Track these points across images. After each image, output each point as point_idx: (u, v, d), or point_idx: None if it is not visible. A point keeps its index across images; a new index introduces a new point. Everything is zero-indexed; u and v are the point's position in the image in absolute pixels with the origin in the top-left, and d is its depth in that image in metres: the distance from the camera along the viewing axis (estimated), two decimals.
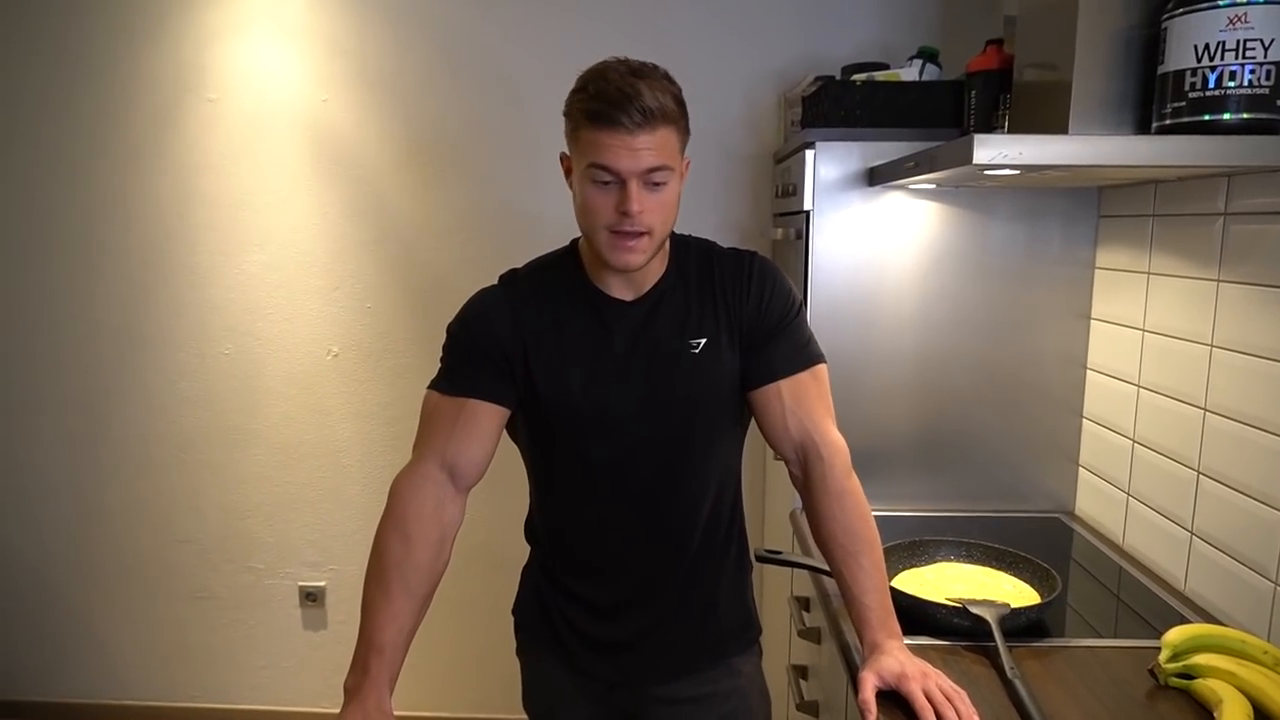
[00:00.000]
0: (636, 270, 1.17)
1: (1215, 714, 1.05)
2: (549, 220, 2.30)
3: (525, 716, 1.43)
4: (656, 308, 1.23)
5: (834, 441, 1.23)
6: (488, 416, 1.20)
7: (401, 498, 1.21)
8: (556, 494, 1.31)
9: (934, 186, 1.77)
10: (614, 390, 1.21)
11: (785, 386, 1.23)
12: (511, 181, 2.42)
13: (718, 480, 1.29)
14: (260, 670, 2.65)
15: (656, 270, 1.23)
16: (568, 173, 1.18)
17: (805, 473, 1.24)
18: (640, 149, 1.07)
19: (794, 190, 1.90)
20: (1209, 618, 1.36)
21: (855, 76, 1.85)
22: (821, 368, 1.26)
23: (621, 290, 1.23)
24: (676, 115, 1.11)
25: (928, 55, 1.89)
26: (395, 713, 1.09)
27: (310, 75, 2.38)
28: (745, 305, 1.23)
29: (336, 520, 2.58)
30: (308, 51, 2.38)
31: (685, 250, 1.28)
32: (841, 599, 1.23)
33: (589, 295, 1.23)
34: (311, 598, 2.60)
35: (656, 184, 1.11)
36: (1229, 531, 1.35)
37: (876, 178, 1.75)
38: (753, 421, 1.31)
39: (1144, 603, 1.43)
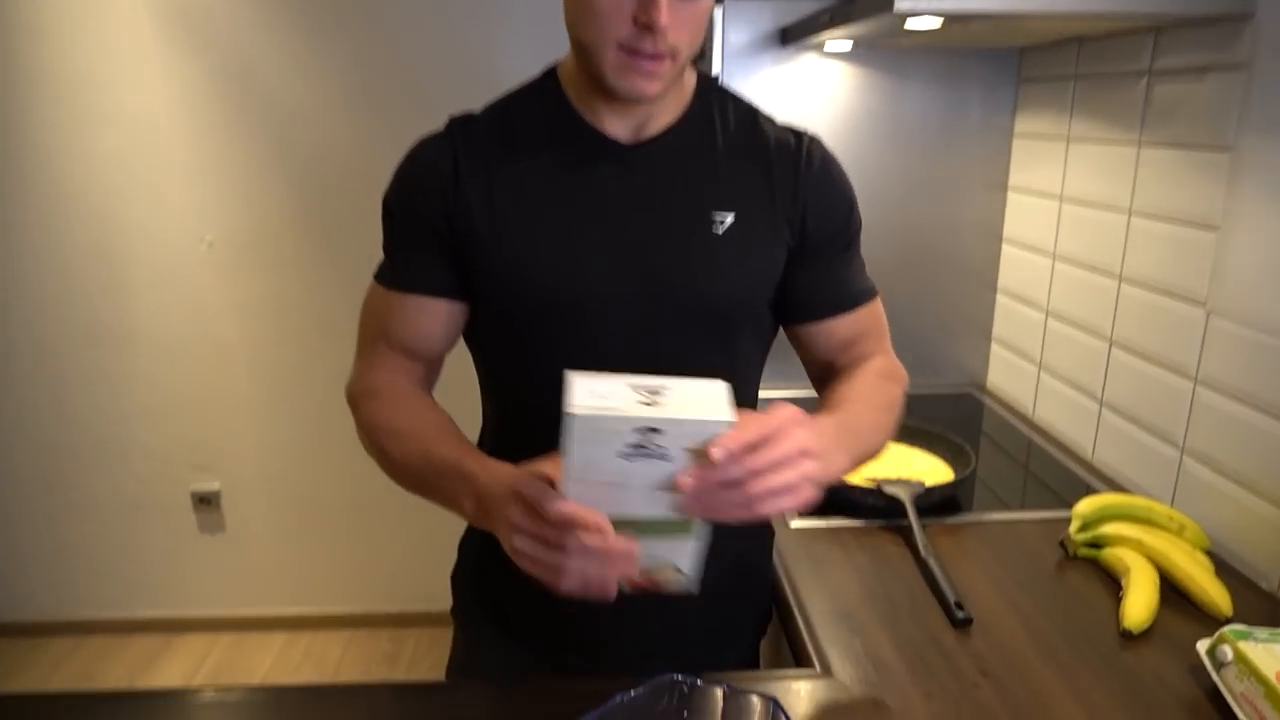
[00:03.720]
0: (650, 102, 0.85)
1: (1123, 582, 1.04)
2: (474, 78, 2.09)
3: None
4: (667, 158, 0.90)
5: (904, 374, 1.00)
6: (433, 317, 0.91)
7: (365, 393, 0.93)
8: (511, 424, 0.97)
9: (849, 47, 1.65)
10: (596, 269, 0.87)
11: (844, 325, 0.97)
12: (415, 33, 2.18)
13: None
14: (158, 577, 2.53)
15: (672, 108, 0.90)
16: None
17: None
18: None
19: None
20: (1116, 487, 1.37)
21: None
22: (879, 302, 1.01)
23: (617, 126, 0.89)
24: None
25: None
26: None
27: None
28: (801, 192, 0.91)
29: (224, 421, 2.42)
30: None
31: (714, 93, 0.94)
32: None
33: (572, 129, 0.89)
34: (205, 501, 2.46)
35: None
36: (1138, 401, 1.34)
37: (789, 37, 1.62)
38: None
39: (1054, 475, 1.43)
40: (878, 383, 0.94)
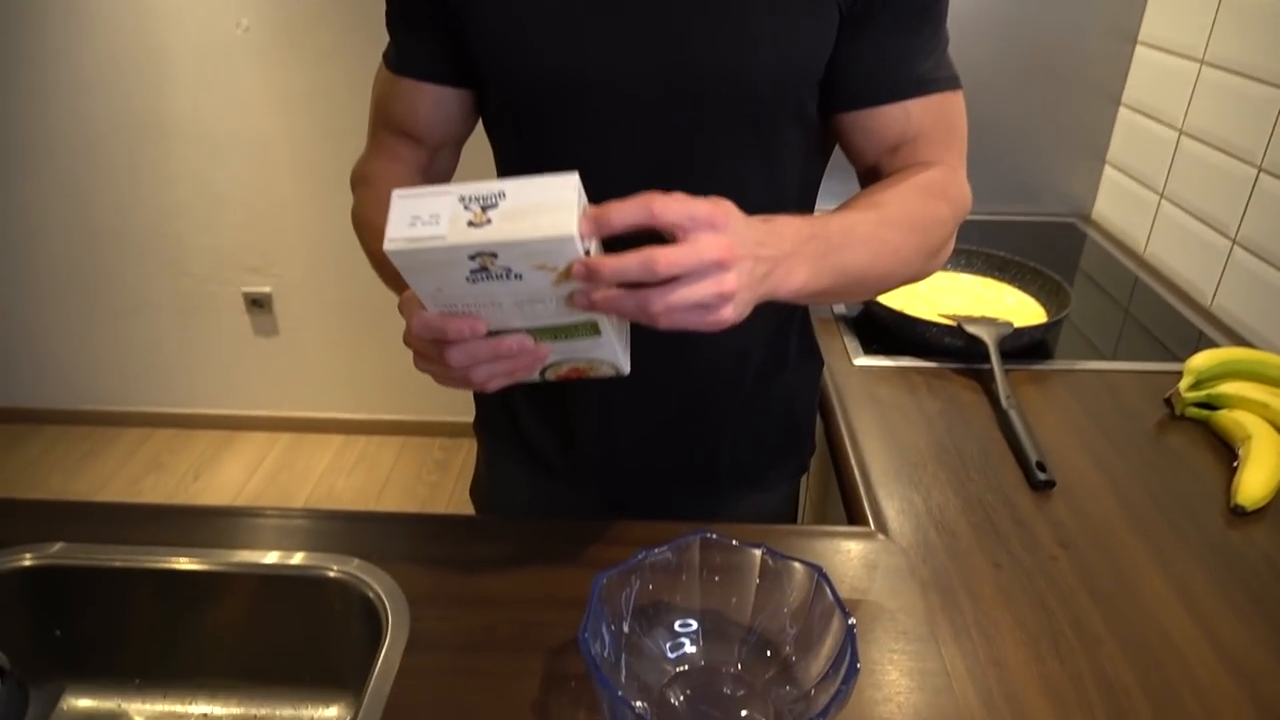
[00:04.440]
0: None
1: (1240, 450, 0.90)
2: None
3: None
4: None
5: (965, 190, 0.78)
6: (428, 102, 0.80)
7: (359, 179, 0.84)
8: None
9: None
10: (601, 39, 0.70)
11: (894, 120, 0.74)
12: None
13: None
14: (214, 377, 2.56)
15: None
16: None
17: None
18: None
19: None
20: (1236, 339, 1.19)
21: None
22: (960, 95, 0.77)
23: None
24: None
25: None
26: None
27: None
28: None
29: (272, 221, 2.34)
30: None
31: None
32: None
33: None
34: (258, 304, 2.44)
35: None
36: None
37: None
38: None
39: (1161, 321, 1.26)
40: (913, 195, 0.73)
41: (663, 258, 0.53)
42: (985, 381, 1.05)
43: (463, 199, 0.53)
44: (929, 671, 0.66)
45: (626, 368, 0.65)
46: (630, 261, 0.53)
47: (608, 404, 0.86)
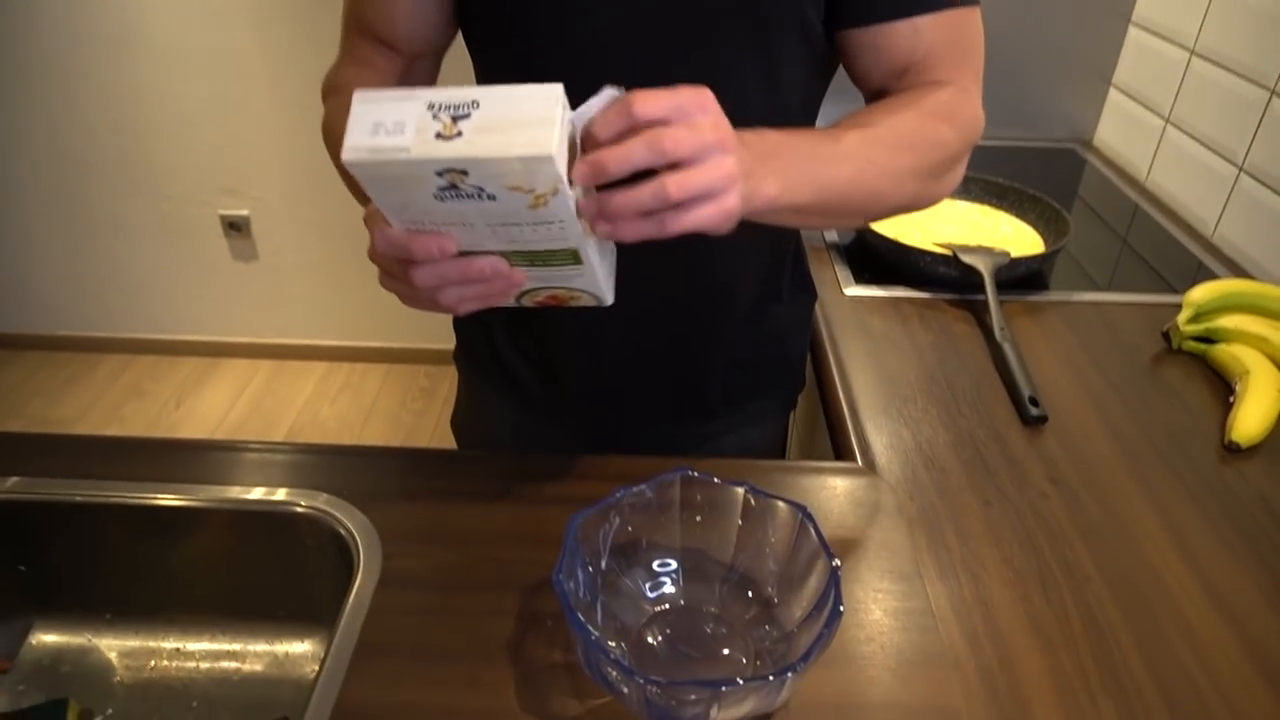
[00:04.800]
0: None
1: (1237, 386, 0.88)
2: None
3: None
4: None
5: (976, 113, 0.72)
6: (411, 5, 0.74)
7: (329, 89, 0.79)
8: None
9: None
10: None
11: (903, 38, 0.68)
12: None
13: None
14: (194, 303, 2.51)
15: None
16: None
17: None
18: None
19: None
20: (1238, 270, 1.16)
21: None
22: (977, 12, 0.71)
23: None
24: None
25: None
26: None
27: None
28: None
29: (248, 141, 2.26)
30: None
31: None
32: None
33: None
34: (235, 228, 2.37)
35: None
36: None
37: None
38: None
39: (1161, 252, 1.22)
40: (909, 114, 0.67)
41: (668, 136, 0.49)
42: (979, 313, 1.02)
43: (432, 106, 0.48)
44: (914, 611, 0.65)
45: (610, 298, 0.62)
46: (644, 192, 0.50)
47: (592, 335, 0.83)
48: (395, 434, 2.27)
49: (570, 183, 0.49)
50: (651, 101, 0.50)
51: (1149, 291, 1.10)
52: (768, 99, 0.71)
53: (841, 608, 0.53)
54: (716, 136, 0.51)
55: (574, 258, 0.56)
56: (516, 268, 0.56)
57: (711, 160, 0.51)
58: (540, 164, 0.47)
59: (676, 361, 0.85)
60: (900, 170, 0.66)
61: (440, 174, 0.48)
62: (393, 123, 0.48)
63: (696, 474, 0.63)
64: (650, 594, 0.64)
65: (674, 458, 0.77)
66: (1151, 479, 0.79)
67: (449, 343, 0.96)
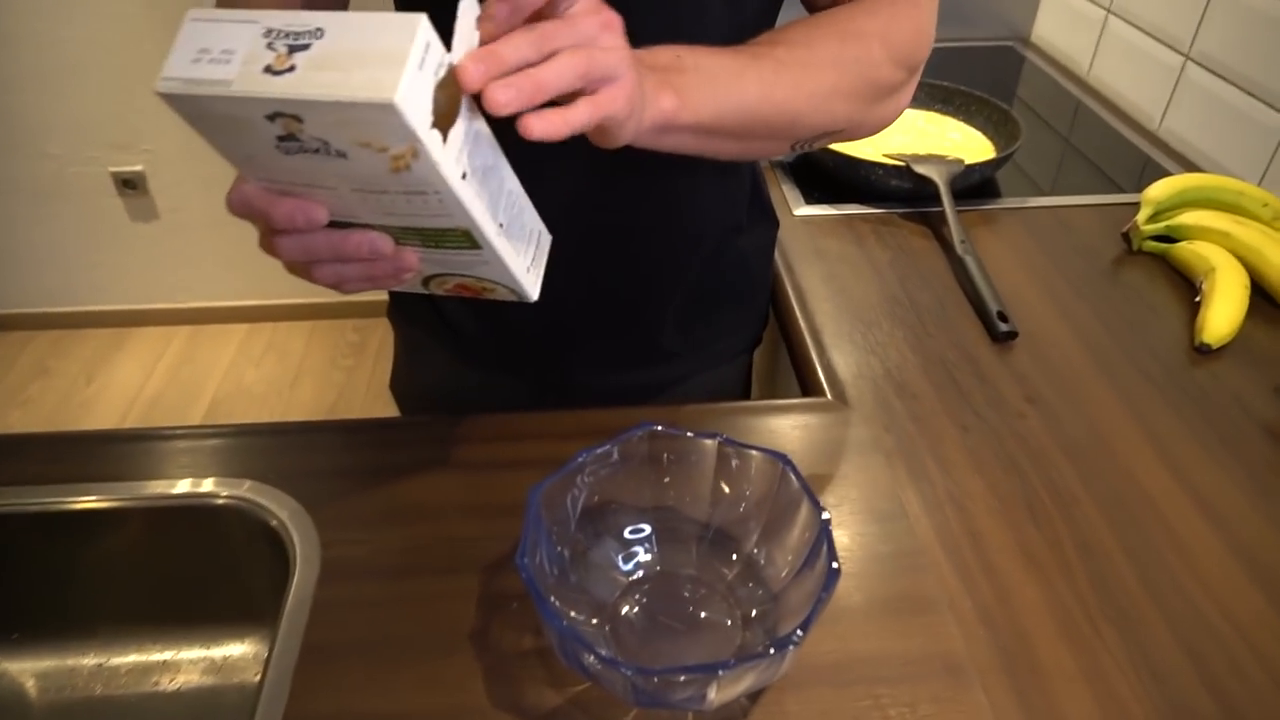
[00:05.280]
0: None
1: (1202, 284, 0.85)
2: None
3: None
4: None
5: (919, 29, 0.65)
6: None
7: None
8: None
9: None
10: None
11: None
12: None
13: None
14: (92, 270, 2.33)
15: None
16: None
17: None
18: None
19: None
20: (1186, 163, 1.14)
21: None
22: None
23: None
24: None
25: None
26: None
27: None
28: None
29: (136, 88, 2.07)
30: None
31: None
32: None
33: None
34: (130, 185, 2.19)
35: None
36: (1242, 52, 1.06)
37: None
38: None
39: (1106, 149, 1.19)
40: (831, 31, 0.61)
41: (549, 27, 0.42)
42: (935, 225, 0.98)
43: (269, 33, 0.38)
44: (903, 552, 0.61)
45: (533, 293, 0.52)
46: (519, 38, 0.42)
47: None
48: (327, 394, 2.17)
49: (445, 139, 0.40)
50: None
51: (1098, 192, 1.07)
52: (730, 22, 0.63)
53: (836, 564, 0.49)
54: (604, 17, 0.45)
55: (468, 240, 0.46)
56: (406, 246, 0.47)
57: (603, 40, 0.44)
58: (383, 113, 0.37)
59: (635, 300, 0.78)
60: (820, 90, 0.59)
61: (270, 118, 0.38)
62: (220, 50, 0.38)
63: (662, 428, 0.57)
64: (623, 564, 0.58)
65: (635, 408, 0.71)
66: (1127, 388, 0.76)
67: (377, 294, 0.87)
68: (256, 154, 0.41)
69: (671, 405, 0.75)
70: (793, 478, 0.54)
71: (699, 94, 0.53)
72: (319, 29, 0.38)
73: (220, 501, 0.62)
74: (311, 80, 0.37)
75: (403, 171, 0.40)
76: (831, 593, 0.47)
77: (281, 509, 0.62)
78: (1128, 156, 1.16)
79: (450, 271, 0.50)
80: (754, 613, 0.55)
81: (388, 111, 0.36)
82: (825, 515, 0.51)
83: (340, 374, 2.23)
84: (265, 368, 2.26)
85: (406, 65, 0.36)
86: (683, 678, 0.45)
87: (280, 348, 2.32)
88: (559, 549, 0.55)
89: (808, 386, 0.79)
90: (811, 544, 0.52)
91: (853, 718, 0.51)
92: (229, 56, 0.38)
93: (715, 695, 0.46)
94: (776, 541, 0.56)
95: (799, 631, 0.45)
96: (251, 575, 0.66)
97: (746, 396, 0.95)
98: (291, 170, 0.42)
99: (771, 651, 0.44)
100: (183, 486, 0.64)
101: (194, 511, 0.64)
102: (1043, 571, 0.60)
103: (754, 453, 0.56)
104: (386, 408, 0.92)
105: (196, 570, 0.67)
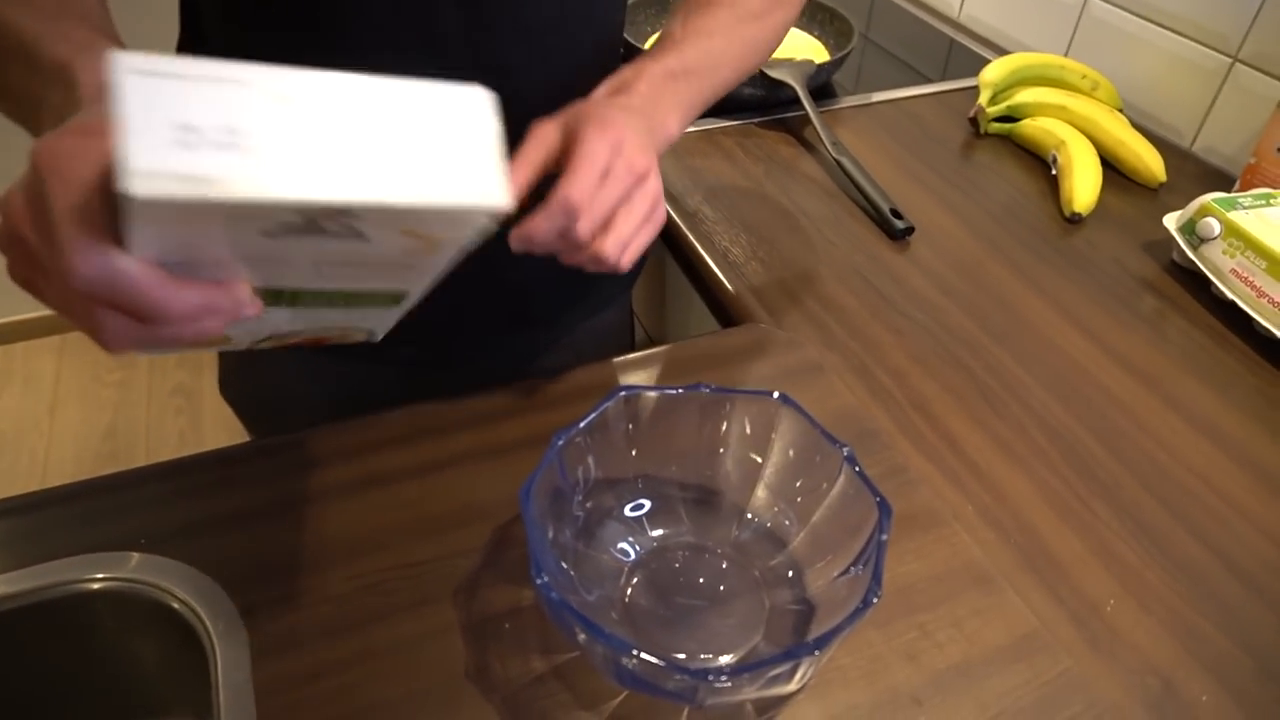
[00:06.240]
0: None
1: (1055, 158, 0.89)
2: None
3: None
4: None
5: None
6: None
7: None
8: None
9: None
10: None
11: None
12: None
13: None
14: None
15: None
16: None
17: None
18: None
19: None
20: (993, 48, 1.18)
21: None
22: None
23: None
24: None
25: None
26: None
27: None
28: None
29: None
30: None
31: None
32: None
33: None
34: None
35: None
36: None
37: None
38: None
39: (913, 42, 1.21)
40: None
41: (575, 191, 0.43)
42: (796, 130, 0.95)
43: (280, 99, 0.28)
44: (894, 471, 0.58)
45: (381, 334, 0.47)
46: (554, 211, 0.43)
47: None
48: (101, 416, 1.85)
49: None
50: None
51: (916, 84, 1.08)
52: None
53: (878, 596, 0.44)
54: (611, 142, 0.45)
55: (394, 299, 0.42)
56: (274, 309, 0.37)
57: (618, 175, 0.45)
58: (485, 216, 0.33)
59: (495, 259, 0.67)
60: (765, 41, 0.63)
61: (300, 211, 0.29)
62: (215, 125, 0.27)
63: (637, 389, 0.50)
64: (629, 544, 0.51)
65: (536, 379, 0.63)
66: (1022, 266, 0.78)
67: None
68: (206, 243, 0.30)
69: (561, 360, 0.67)
70: (802, 416, 0.49)
71: (689, 101, 0.55)
72: (359, 97, 0.31)
73: (97, 587, 0.48)
74: (400, 181, 0.30)
75: (423, 254, 0.36)
76: (876, 596, 0.43)
77: (176, 582, 0.49)
78: (932, 44, 1.19)
79: (319, 325, 0.42)
80: (770, 570, 0.50)
81: (492, 216, 0.33)
82: (847, 451, 0.46)
83: (112, 391, 1.91)
84: (10, 398, 1.89)
85: (497, 158, 0.33)
86: (724, 677, 0.39)
87: (25, 372, 1.95)
88: (560, 550, 0.47)
89: (728, 316, 0.73)
90: (841, 489, 0.47)
91: (906, 655, 0.48)
92: (232, 134, 0.27)
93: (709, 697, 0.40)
94: (794, 495, 0.51)
95: (816, 651, 0.40)
96: (165, 673, 0.52)
97: (631, 335, 0.88)
98: (244, 251, 0.31)
99: (817, 653, 0.39)
100: (39, 574, 0.48)
101: (54, 607, 0.48)
102: (1024, 462, 0.60)
103: (740, 396, 0.50)
104: (196, 416, 0.77)
105: (86, 680, 0.52)
